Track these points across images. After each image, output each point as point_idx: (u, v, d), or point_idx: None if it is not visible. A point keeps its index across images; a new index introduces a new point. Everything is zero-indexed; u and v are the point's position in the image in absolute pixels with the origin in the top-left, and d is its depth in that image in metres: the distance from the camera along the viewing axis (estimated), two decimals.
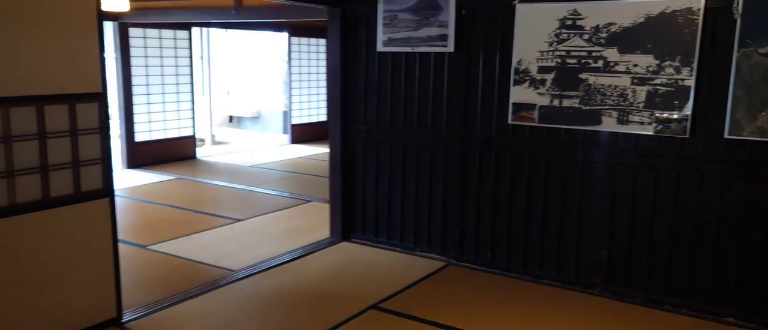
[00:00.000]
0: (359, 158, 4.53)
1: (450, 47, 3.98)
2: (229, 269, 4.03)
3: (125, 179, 6.85)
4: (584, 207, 3.71)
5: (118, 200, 5.85)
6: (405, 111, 4.27)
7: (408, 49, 4.14)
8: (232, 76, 11.74)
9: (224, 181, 6.88)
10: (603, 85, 3.50)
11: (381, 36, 4.23)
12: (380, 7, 4.19)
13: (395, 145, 4.35)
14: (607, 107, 3.51)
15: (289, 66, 9.62)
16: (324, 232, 4.80)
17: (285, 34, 9.46)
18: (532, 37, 3.68)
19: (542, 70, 3.67)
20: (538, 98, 3.71)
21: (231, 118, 11.99)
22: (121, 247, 4.38)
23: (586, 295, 3.69)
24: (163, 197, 6.06)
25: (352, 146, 4.55)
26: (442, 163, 4.17)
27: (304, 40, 9.74)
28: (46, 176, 2.77)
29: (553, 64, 3.64)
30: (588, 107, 3.56)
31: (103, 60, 2.93)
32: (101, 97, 2.95)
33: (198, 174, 7.27)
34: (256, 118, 11.52)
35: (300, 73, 9.80)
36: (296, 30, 9.48)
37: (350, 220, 4.65)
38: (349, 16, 4.41)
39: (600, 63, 3.50)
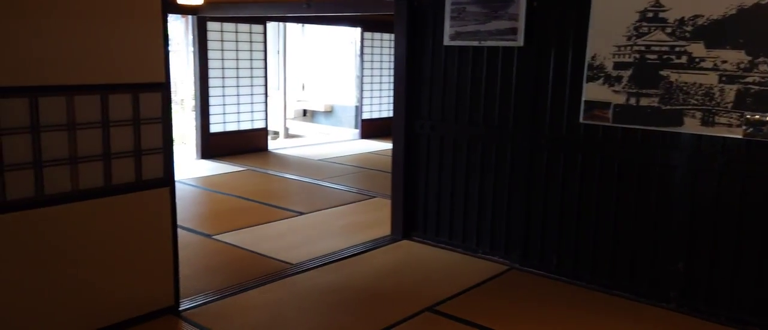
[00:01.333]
0: (422, 155, 4.42)
1: (519, 41, 3.79)
2: (288, 262, 4.03)
3: (198, 169, 7.05)
4: (661, 215, 3.43)
5: (188, 189, 6.02)
6: (471, 107, 4.11)
7: (475, 43, 3.99)
8: (307, 71, 11.90)
9: (292, 174, 6.95)
10: (686, 82, 3.22)
11: (448, 29, 4.09)
12: (448, 0, 4.06)
13: (460, 142, 4.20)
14: (690, 107, 3.22)
15: (362, 61, 9.62)
16: (385, 229, 4.73)
17: (358, 29, 9.46)
18: (608, 30, 3.44)
19: (619, 66, 3.43)
20: (614, 96, 3.46)
21: (305, 112, 12.16)
22: (187, 235, 4.51)
23: (660, 310, 3.42)
24: (232, 188, 6.18)
25: (416, 142, 4.44)
26: (508, 163, 3.99)
27: (377, 35, 9.71)
28: (109, 164, 2.83)
29: (630, 60, 3.38)
30: (668, 107, 3.29)
31: (167, 51, 2.97)
32: (164, 88, 2.99)
33: (268, 166, 7.38)
34: (329, 113, 11.62)
35: (372, 69, 9.78)
36: (369, 25, 9.46)
37: (412, 218, 4.55)
38: (416, 8, 4.30)
39: (684, 59, 3.22)
